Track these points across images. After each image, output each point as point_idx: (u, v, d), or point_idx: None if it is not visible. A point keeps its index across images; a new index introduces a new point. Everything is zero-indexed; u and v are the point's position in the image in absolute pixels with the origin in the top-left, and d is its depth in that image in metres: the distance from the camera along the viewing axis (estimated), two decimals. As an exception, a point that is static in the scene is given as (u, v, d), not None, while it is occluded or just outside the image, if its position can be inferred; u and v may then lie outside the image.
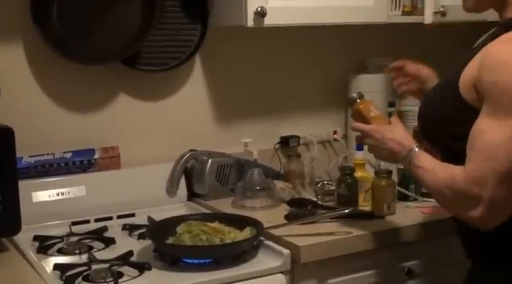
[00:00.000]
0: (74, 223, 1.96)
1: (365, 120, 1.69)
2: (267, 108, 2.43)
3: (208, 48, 2.27)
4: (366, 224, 1.84)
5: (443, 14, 2.22)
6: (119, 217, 2.04)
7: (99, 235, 1.90)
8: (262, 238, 1.78)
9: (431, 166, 1.47)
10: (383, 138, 1.61)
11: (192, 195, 2.19)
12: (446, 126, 1.47)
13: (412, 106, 2.32)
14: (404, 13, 2.27)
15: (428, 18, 2.24)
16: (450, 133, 1.46)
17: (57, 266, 1.63)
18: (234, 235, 1.74)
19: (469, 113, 1.39)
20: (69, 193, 2.01)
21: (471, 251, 1.55)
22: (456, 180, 1.38)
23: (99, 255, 1.72)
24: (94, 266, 1.64)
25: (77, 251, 1.76)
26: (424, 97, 1.70)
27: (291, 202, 2.03)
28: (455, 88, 1.42)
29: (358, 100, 1.74)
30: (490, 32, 1.50)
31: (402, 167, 1.75)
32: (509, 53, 1.34)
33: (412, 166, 1.53)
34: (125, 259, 1.69)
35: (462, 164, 1.38)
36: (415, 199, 2.08)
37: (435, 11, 2.22)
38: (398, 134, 1.60)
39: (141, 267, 1.63)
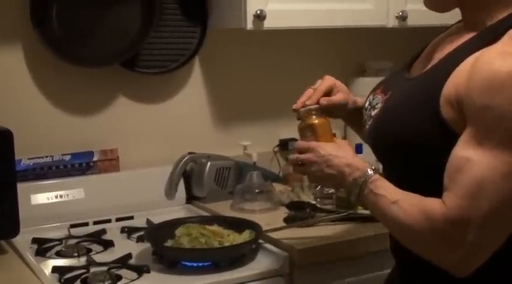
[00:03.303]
0: (72, 226, 1.95)
1: (315, 138, 1.43)
2: (266, 110, 2.43)
3: (207, 50, 2.27)
4: (365, 227, 1.83)
5: (403, 18, 2.19)
6: (118, 219, 2.04)
7: (98, 237, 1.90)
8: (261, 241, 1.78)
9: (394, 197, 1.20)
10: (328, 153, 1.33)
11: (190, 198, 2.19)
12: (416, 151, 1.20)
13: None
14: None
15: (390, 22, 2.21)
16: (421, 161, 1.21)
17: (55, 269, 1.63)
18: (232, 238, 1.74)
19: (448, 137, 1.14)
20: (67, 195, 2.00)
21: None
22: (433, 217, 1.13)
23: (97, 258, 1.72)
24: (92, 269, 1.64)
25: (76, 254, 1.76)
26: (381, 110, 1.31)
27: (290, 205, 2.04)
28: (433, 104, 1.16)
29: (315, 115, 1.49)
30: (449, 30, 1.34)
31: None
32: (508, 69, 1.07)
33: (366, 193, 1.25)
34: (123, 261, 1.69)
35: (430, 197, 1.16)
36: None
37: (396, 15, 2.19)
38: (347, 153, 1.33)
39: (140, 270, 1.63)
